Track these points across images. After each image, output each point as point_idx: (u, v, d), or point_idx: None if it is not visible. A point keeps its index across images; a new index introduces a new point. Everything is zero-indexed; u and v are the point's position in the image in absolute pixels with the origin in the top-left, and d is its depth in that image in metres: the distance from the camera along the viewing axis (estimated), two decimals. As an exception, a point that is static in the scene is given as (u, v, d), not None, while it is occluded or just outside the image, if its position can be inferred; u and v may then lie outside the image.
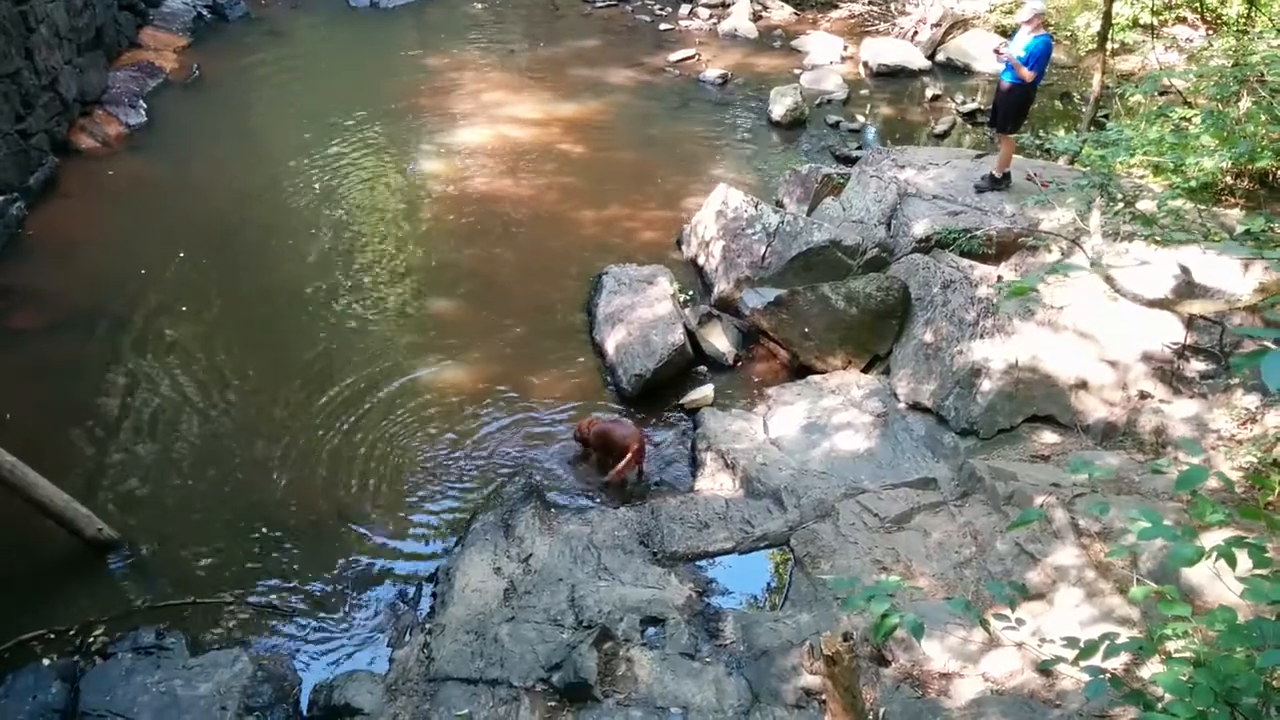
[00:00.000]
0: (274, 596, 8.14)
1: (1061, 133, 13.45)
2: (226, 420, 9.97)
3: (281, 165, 15.03)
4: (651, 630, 7.22)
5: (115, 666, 7.19)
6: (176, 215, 13.34)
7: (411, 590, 8.23)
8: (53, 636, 7.53)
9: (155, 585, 8.14)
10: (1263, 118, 9.77)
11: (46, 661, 7.31)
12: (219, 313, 11.73)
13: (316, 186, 14.39)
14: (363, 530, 8.84)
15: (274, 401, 10.20)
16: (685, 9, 22.68)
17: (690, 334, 10.94)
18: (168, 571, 8.28)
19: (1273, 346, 3.18)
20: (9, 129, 12.73)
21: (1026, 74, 10.83)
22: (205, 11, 20.36)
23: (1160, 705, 3.45)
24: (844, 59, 20.14)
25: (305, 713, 7.19)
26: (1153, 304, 8.49)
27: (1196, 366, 8.90)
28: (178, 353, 10.92)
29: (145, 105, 16.10)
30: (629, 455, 9.05)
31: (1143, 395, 8.91)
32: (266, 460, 9.48)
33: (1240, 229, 8.88)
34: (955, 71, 19.69)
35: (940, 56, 20.02)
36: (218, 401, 10.21)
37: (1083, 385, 9.14)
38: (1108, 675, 3.65)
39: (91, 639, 7.54)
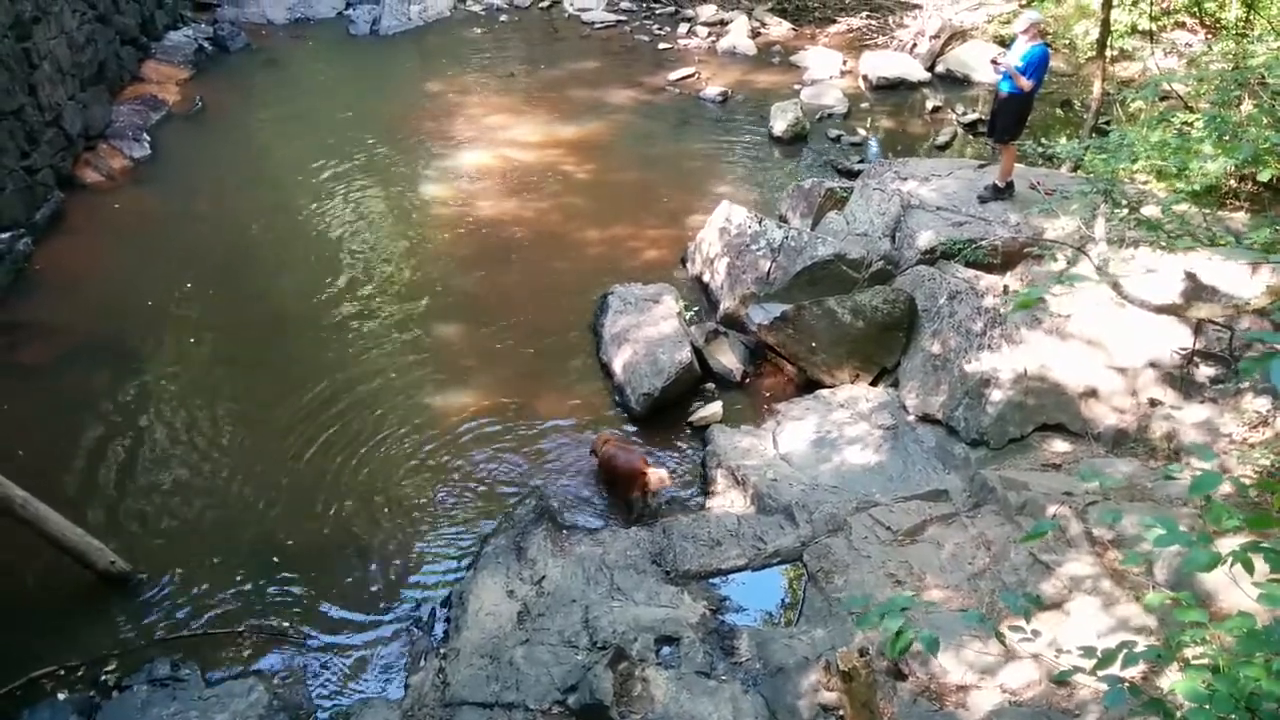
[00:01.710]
0: (288, 625, 8.13)
1: (1063, 140, 13.46)
2: (236, 449, 9.98)
3: (285, 194, 15.10)
4: (666, 649, 7.20)
5: (131, 699, 7.20)
6: (182, 246, 13.41)
7: (425, 615, 8.21)
8: (62, 673, 7.52)
9: (169, 616, 8.14)
10: (1265, 120, 9.76)
11: (62, 696, 7.31)
12: (225, 342, 11.77)
13: (320, 214, 14.45)
14: (375, 555, 8.84)
15: (282, 429, 10.20)
16: (684, 28, 22.77)
17: (697, 352, 10.95)
18: (181, 602, 8.28)
19: (1282, 349, 3.17)
20: (14, 165, 12.81)
21: (1024, 83, 10.86)
22: (206, 44, 20.48)
23: (1180, 713, 3.42)
24: (843, 73, 20.20)
25: (321, 741, 7.18)
26: (1160, 309, 8.49)
27: (1206, 371, 8.86)
28: (185, 383, 10.96)
29: (149, 138, 16.19)
30: (633, 485, 9.03)
31: (1153, 402, 8.88)
32: (277, 488, 9.49)
33: (1247, 234, 8.87)
34: (955, 82, 19.72)
35: (940, 68, 20.05)
36: (227, 431, 10.23)
37: (1092, 393, 9.12)
38: (1126, 684, 3.63)
39: (106, 672, 7.53)
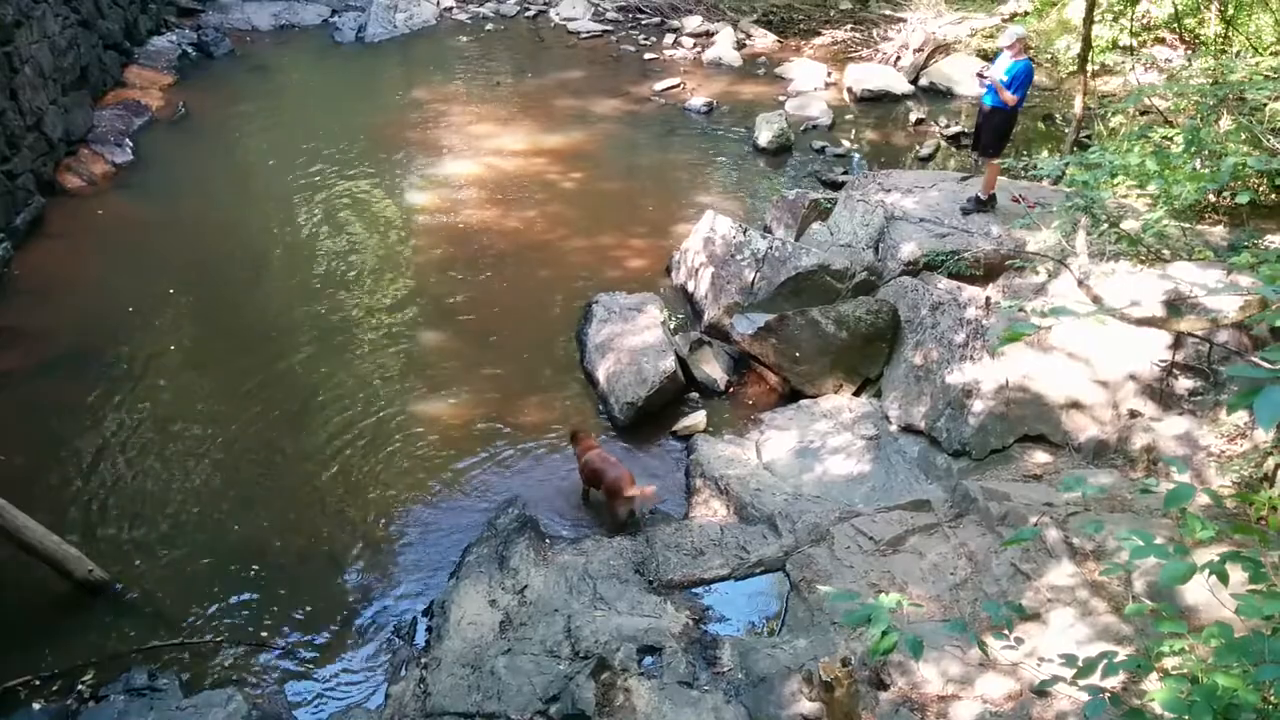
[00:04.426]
0: (267, 634, 8.07)
1: (1045, 154, 13.55)
2: (216, 458, 9.91)
3: (269, 201, 15.08)
4: (649, 659, 7.19)
5: (108, 709, 7.14)
6: (164, 253, 13.35)
7: (406, 624, 8.18)
8: (38, 682, 7.45)
9: (147, 626, 8.07)
10: (1243, 137, 9.85)
11: (38, 705, 7.25)
12: (207, 350, 11.73)
13: (304, 222, 14.42)
14: (356, 565, 8.80)
15: (264, 438, 10.17)
16: (669, 38, 22.85)
17: (681, 361, 10.96)
18: (160, 612, 8.21)
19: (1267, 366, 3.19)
20: (-5, 170, 12.75)
21: (1009, 97, 10.94)
22: (190, 49, 20.46)
23: (1159, 723, 3.45)
24: (828, 85, 20.31)
25: (301, 751, 7.14)
26: (1140, 322, 8.52)
27: (1185, 384, 8.92)
28: (166, 391, 10.89)
29: (132, 143, 16.12)
30: (617, 499, 8.99)
31: (1133, 413, 8.93)
32: (257, 497, 9.44)
33: (1225, 249, 8.94)
34: (938, 95, 19.86)
35: (923, 81, 20.21)
36: (207, 440, 10.16)
37: (1073, 404, 9.16)
38: (1107, 694, 3.65)
39: (83, 682, 7.46)
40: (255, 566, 8.66)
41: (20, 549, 7.93)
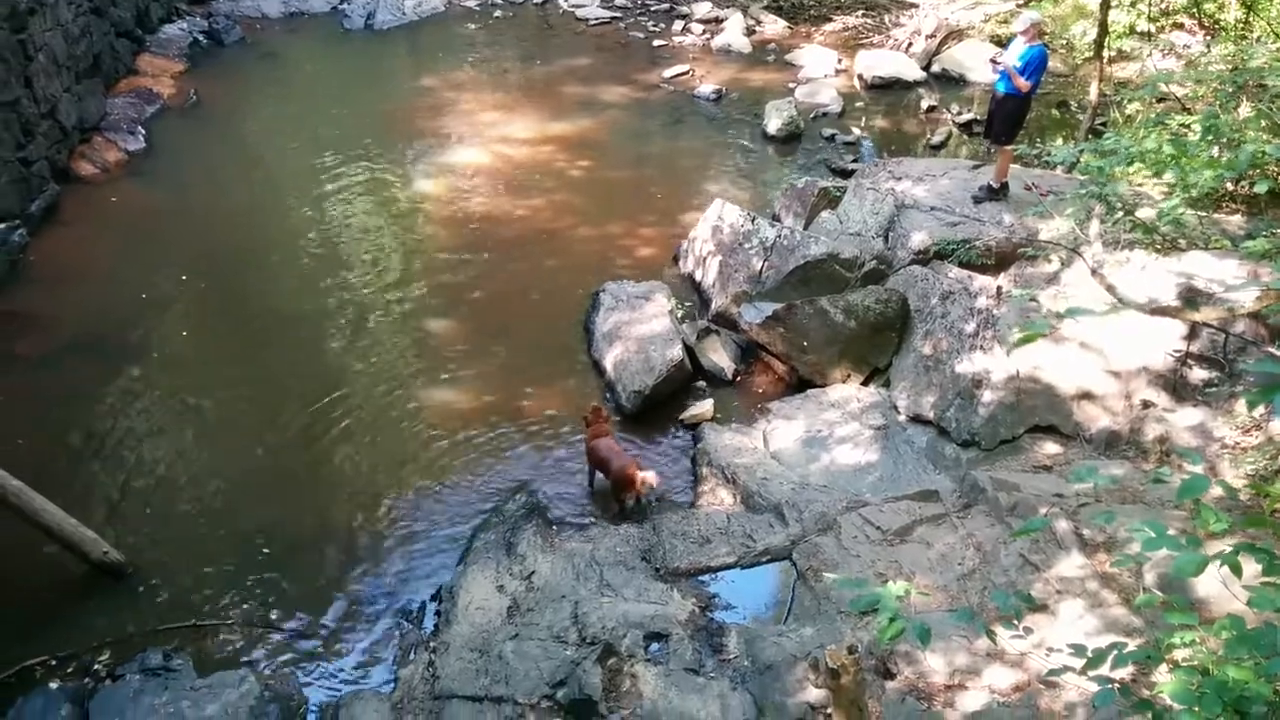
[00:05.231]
0: (279, 617, 8.12)
1: (1059, 141, 13.44)
2: (228, 442, 9.95)
3: (279, 188, 15.09)
4: (655, 646, 7.21)
5: (124, 688, 7.20)
6: (176, 240, 13.38)
7: (415, 608, 8.22)
8: (55, 662, 7.51)
9: (162, 607, 8.13)
10: (1262, 124, 9.77)
11: (55, 685, 7.32)
12: (219, 336, 11.76)
13: (314, 209, 14.43)
14: (365, 549, 8.84)
15: (275, 423, 10.20)
16: (678, 25, 22.75)
17: (689, 350, 10.93)
18: (174, 593, 8.26)
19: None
20: (10, 156, 12.75)
21: (1023, 84, 10.87)
22: (201, 37, 20.47)
23: (1168, 715, 3.43)
24: (838, 72, 20.20)
25: (311, 733, 7.18)
26: (1154, 312, 8.49)
27: (1199, 374, 8.87)
28: (179, 377, 10.92)
29: (144, 131, 16.15)
30: (623, 487, 8.97)
31: (1145, 404, 8.89)
32: (270, 481, 9.48)
33: (1242, 238, 8.88)
34: (950, 82, 19.72)
35: (935, 67, 20.05)
36: (219, 424, 10.21)
37: (1085, 395, 9.12)
38: (1116, 685, 3.63)
39: (99, 662, 7.54)
40: (266, 550, 8.71)
41: (38, 531, 7.98)
